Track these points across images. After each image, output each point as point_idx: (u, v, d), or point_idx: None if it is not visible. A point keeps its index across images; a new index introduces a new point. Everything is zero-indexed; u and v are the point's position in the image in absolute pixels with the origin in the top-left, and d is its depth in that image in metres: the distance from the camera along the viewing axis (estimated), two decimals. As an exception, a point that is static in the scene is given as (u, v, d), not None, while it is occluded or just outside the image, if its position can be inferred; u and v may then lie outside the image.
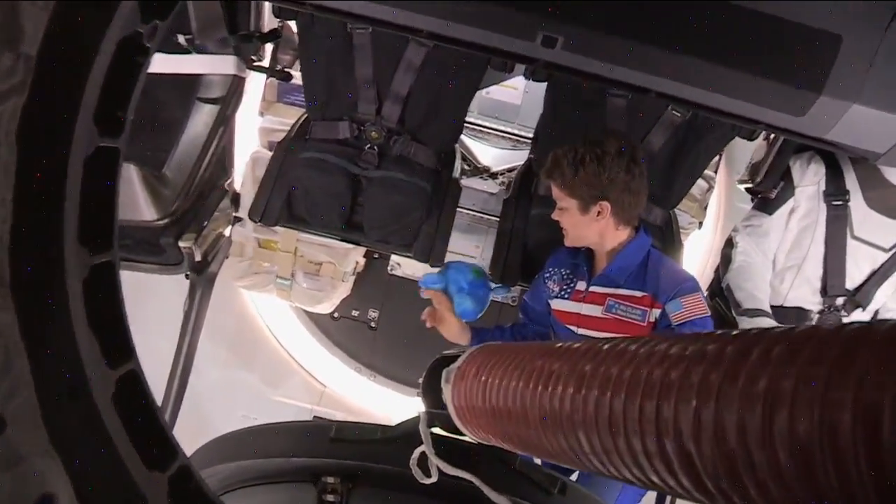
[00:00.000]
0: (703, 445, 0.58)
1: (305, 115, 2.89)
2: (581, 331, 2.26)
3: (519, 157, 3.77)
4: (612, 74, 1.77)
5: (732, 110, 1.84)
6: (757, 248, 2.59)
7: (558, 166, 2.15)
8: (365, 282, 4.46)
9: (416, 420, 1.35)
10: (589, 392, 0.78)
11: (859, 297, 2.56)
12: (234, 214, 3.14)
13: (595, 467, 0.81)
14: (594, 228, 2.19)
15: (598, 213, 2.15)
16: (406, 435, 1.37)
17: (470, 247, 3.89)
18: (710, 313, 2.09)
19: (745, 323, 2.42)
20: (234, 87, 2.53)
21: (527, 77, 2.55)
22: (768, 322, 2.39)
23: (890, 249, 2.53)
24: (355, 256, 4.04)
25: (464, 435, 1.23)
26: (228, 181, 2.89)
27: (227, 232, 3.14)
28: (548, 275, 2.43)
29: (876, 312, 2.62)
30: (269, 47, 2.95)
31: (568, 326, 2.30)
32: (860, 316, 2.60)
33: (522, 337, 2.48)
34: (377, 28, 2.42)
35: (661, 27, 1.72)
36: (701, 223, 3.56)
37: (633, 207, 2.18)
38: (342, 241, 3.01)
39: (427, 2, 1.68)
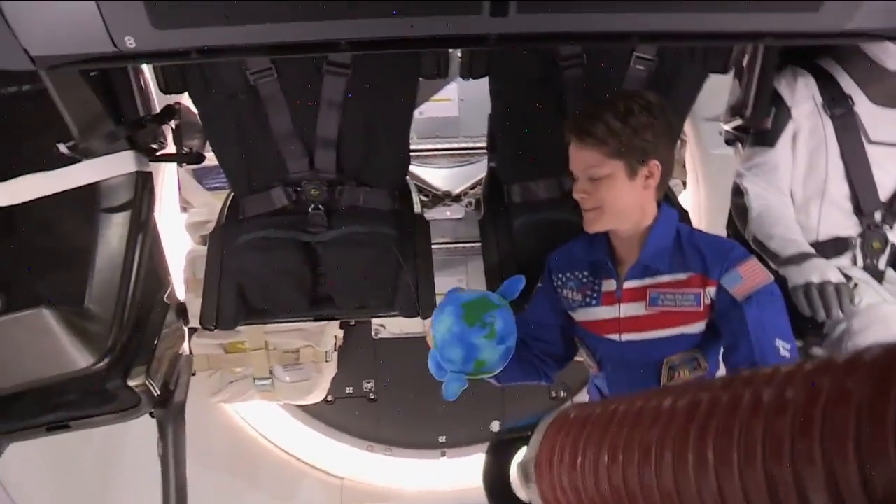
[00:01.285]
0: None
1: (232, 195, 2.52)
2: (626, 337, 1.93)
3: (476, 171, 3.46)
4: (583, 27, 1.43)
5: (737, 28, 1.51)
6: (770, 186, 2.28)
7: (600, 120, 1.78)
8: (350, 354, 4.06)
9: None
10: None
11: None
12: (186, 327, 2.74)
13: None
14: (639, 199, 1.85)
15: (648, 176, 1.82)
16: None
17: (453, 284, 3.53)
18: (773, 278, 1.79)
19: (794, 273, 2.08)
20: (142, 185, 2.15)
21: (464, 76, 2.25)
22: (821, 264, 2.07)
23: None
24: (332, 332, 3.64)
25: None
26: (167, 293, 2.49)
27: (184, 349, 2.72)
28: (559, 283, 2.07)
29: None
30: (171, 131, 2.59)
31: (607, 337, 1.96)
32: (903, 227, 2.30)
33: (529, 363, 2.10)
34: (282, 64, 2.11)
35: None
36: (685, 183, 3.26)
37: (671, 171, 1.89)
38: (315, 320, 2.63)
39: (337, 1, 1.33)
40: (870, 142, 2.20)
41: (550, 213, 2.37)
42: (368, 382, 4.19)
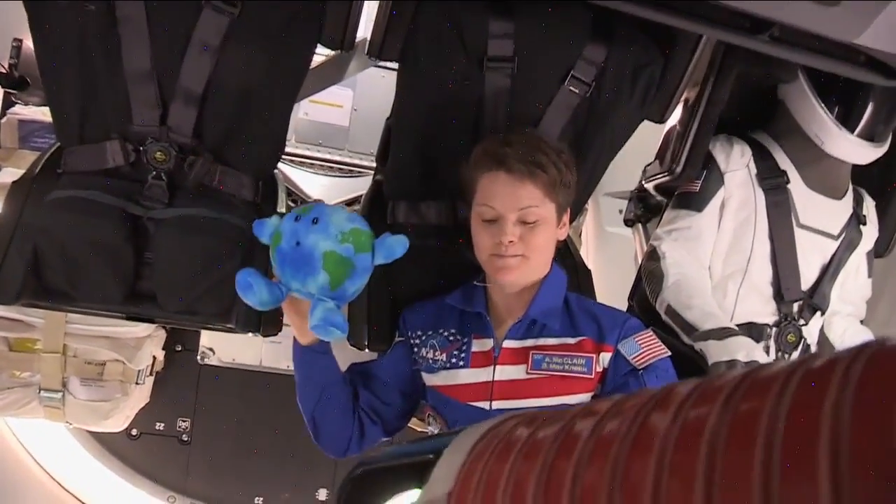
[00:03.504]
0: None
1: (56, 145, 2.02)
2: (497, 405, 1.68)
3: (358, 186, 3.08)
4: None
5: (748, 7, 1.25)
6: (689, 255, 2.07)
7: (545, 154, 1.63)
8: (168, 383, 3.49)
9: None
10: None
11: (816, 299, 2.10)
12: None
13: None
14: (552, 251, 1.75)
15: (563, 226, 1.73)
16: None
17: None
18: (670, 353, 1.66)
19: (717, 349, 1.84)
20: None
21: (372, 53, 1.92)
22: (747, 342, 1.85)
23: (839, 236, 2.10)
24: (151, 349, 3.08)
25: None
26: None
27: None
28: (416, 341, 1.80)
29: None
30: None
31: (473, 405, 1.70)
32: (818, 323, 2.14)
33: (351, 413, 1.80)
34: None
35: None
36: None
37: None
38: (128, 319, 2.12)
39: None
40: (799, 225, 2.05)
41: (439, 242, 2.03)
42: (184, 421, 3.60)
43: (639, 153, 2.33)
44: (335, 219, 1.53)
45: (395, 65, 2.10)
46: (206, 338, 3.42)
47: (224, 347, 3.36)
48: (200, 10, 1.77)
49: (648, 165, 2.42)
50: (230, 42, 1.81)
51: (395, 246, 1.58)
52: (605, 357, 1.66)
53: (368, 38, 2.00)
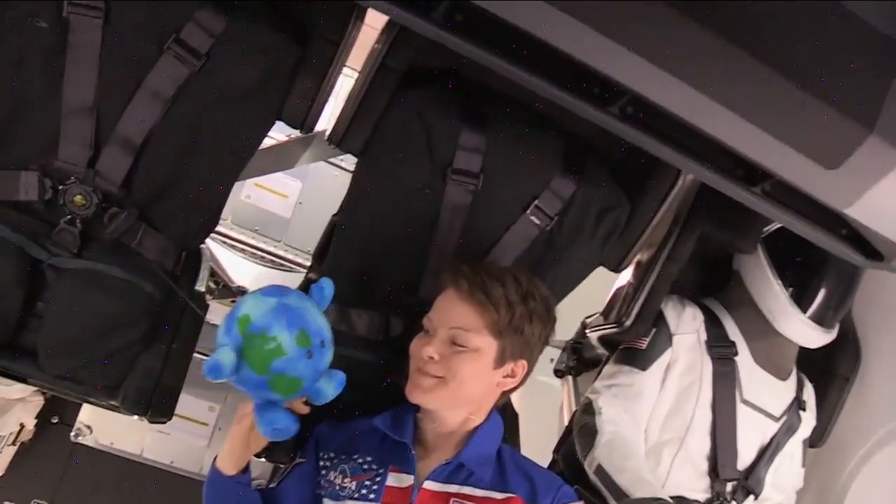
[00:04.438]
0: None
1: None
2: None
3: (288, 281, 2.90)
4: (564, 42, 1.05)
5: (742, 148, 1.18)
6: (626, 414, 1.95)
7: (501, 285, 1.53)
8: (32, 458, 3.11)
9: None
10: None
11: (751, 481, 1.99)
12: None
13: None
14: (486, 394, 1.60)
15: (509, 375, 1.58)
16: None
17: (202, 411, 2.84)
18: None
19: None
20: None
21: (333, 140, 1.83)
22: None
23: (780, 418, 2.02)
24: (21, 415, 2.75)
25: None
26: None
27: None
28: (326, 462, 1.63)
29: None
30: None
31: None
32: (752, 509, 2.02)
33: None
34: (119, 11, 1.59)
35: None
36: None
37: (524, 382, 1.66)
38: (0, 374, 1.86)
39: None
40: (742, 400, 1.98)
41: (365, 356, 1.87)
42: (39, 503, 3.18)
43: (578, 304, 2.24)
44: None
45: (349, 165, 2.00)
46: (87, 413, 3.08)
47: (104, 427, 3.04)
48: (160, 55, 1.64)
49: (588, 318, 2.35)
50: (184, 95, 1.67)
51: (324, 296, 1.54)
52: None
53: (329, 127, 1.91)
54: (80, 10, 1.57)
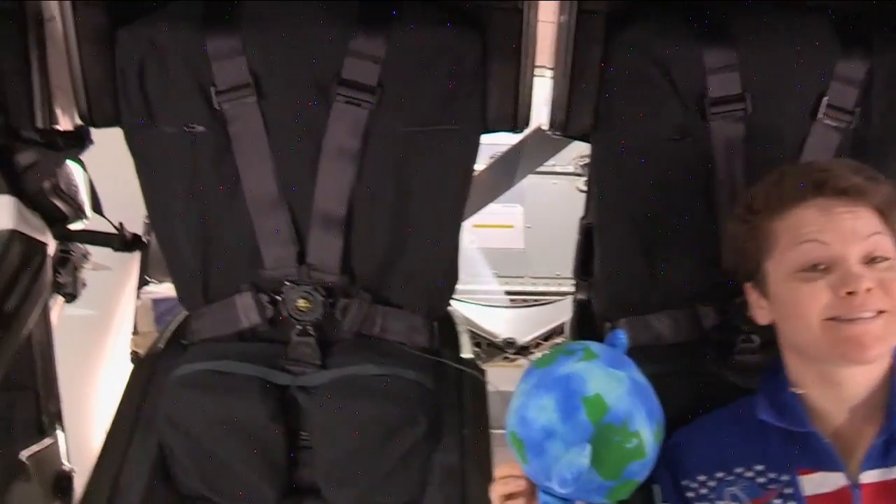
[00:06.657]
0: None
1: (182, 314, 1.67)
2: None
3: (551, 315, 2.62)
4: None
5: None
6: None
7: (866, 176, 1.16)
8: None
9: None
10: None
11: None
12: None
13: None
14: None
15: None
16: None
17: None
18: None
19: None
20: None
21: (554, 127, 1.54)
22: None
23: None
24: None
25: None
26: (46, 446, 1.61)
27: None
28: (703, 488, 1.20)
29: None
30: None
31: None
32: None
33: None
34: (268, 77, 1.44)
35: None
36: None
37: None
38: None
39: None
40: None
41: (684, 363, 1.49)
42: None
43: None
44: None
45: (562, 167, 1.65)
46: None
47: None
48: (329, 108, 1.44)
49: None
50: (373, 142, 1.45)
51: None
52: None
53: (544, 118, 1.59)
54: (229, 96, 1.43)
